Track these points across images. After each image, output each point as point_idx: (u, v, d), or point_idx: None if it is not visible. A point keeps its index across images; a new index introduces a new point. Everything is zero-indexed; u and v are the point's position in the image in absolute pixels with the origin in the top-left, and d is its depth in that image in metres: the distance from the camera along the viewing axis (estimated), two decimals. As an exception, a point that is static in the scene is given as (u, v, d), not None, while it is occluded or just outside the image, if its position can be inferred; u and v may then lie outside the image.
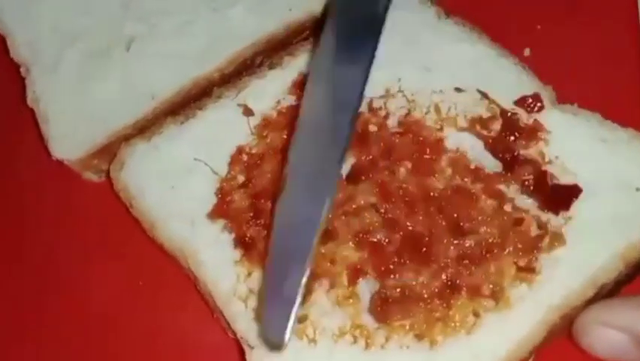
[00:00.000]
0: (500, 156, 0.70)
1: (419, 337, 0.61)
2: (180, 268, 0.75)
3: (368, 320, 0.63)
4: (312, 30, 0.83)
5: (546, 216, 0.65)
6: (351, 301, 0.64)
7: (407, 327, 0.62)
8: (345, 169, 0.71)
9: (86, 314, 0.77)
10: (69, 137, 0.78)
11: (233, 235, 0.70)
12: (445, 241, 0.65)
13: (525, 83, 0.74)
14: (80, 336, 0.76)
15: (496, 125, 0.72)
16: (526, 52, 0.82)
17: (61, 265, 0.80)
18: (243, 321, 0.65)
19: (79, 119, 0.79)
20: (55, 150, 0.78)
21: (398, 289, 0.63)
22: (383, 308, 0.62)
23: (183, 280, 0.75)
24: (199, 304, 0.73)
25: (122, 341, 0.75)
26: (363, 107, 0.74)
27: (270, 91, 0.78)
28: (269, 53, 0.82)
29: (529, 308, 0.61)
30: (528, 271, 0.62)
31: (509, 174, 0.68)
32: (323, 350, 0.63)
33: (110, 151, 0.79)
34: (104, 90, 0.80)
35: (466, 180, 0.68)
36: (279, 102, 0.77)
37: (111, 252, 0.79)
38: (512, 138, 0.69)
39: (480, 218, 0.66)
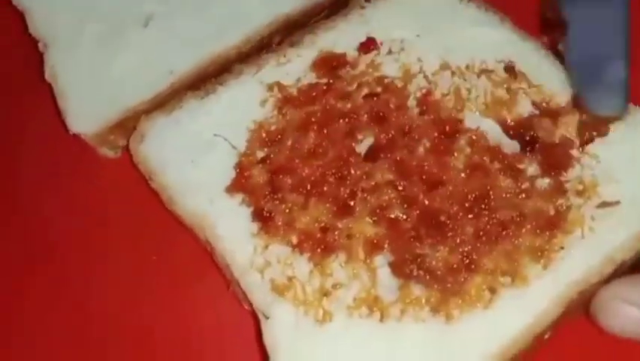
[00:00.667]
0: (520, 137, 0.70)
1: (435, 311, 0.61)
2: (196, 242, 0.75)
3: (384, 293, 0.63)
4: (330, 9, 0.83)
5: (565, 196, 0.65)
6: (368, 274, 0.64)
7: (423, 301, 0.62)
8: (364, 148, 0.72)
9: (103, 288, 0.77)
10: (86, 111, 0.79)
11: (251, 209, 0.70)
12: (462, 217, 0.65)
13: (545, 65, 0.74)
14: (97, 310, 0.77)
15: (517, 108, 0.72)
16: (544, 39, 0.81)
17: (78, 240, 0.81)
18: (260, 292, 0.65)
19: (96, 94, 0.80)
20: (72, 125, 0.79)
21: (414, 265, 0.63)
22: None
23: (199, 254, 0.75)
24: (215, 277, 0.74)
25: (138, 315, 0.76)
26: (382, 88, 0.75)
27: (290, 68, 0.78)
28: (287, 32, 0.82)
29: (547, 284, 0.61)
30: (545, 249, 0.62)
31: (528, 155, 0.68)
32: (338, 323, 0.63)
33: (126, 126, 0.79)
34: (121, 66, 0.80)
35: (485, 159, 0.68)
36: (299, 80, 0.78)
37: (127, 227, 0.80)
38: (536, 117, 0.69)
39: (498, 196, 0.66)
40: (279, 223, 0.68)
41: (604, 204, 0.64)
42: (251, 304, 0.66)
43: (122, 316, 0.76)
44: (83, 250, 0.80)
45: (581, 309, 0.62)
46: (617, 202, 0.64)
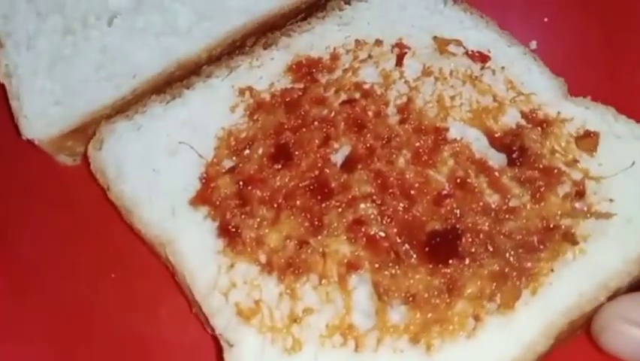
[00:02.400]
0: (507, 148, 0.65)
1: (414, 340, 0.56)
2: (158, 258, 0.70)
3: (359, 320, 0.58)
4: (307, 11, 0.78)
5: (557, 215, 0.60)
6: (342, 297, 0.58)
7: (402, 328, 0.56)
8: (340, 158, 0.66)
9: (54, 309, 0.71)
10: (41, 116, 0.73)
11: (216, 223, 0.64)
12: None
13: (535, 73, 0.69)
14: (47, 334, 0.70)
15: (504, 118, 0.67)
16: (533, 45, 0.77)
17: (27, 253, 0.74)
18: (223, 316, 0.60)
19: (53, 97, 0.73)
20: (25, 130, 0.73)
21: (394, 287, 0.58)
22: None
23: (160, 272, 0.69)
24: (177, 298, 0.68)
25: (93, 337, 0.70)
26: (360, 94, 0.70)
27: (263, 72, 0.73)
28: (261, 34, 0.77)
29: (535, 312, 0.56)
30: (532, 274, 0.58)
31: (516, 169, 0.63)
32: (309, 353, 0.57)
33: (85, 132, 0.73)
34: (81, 67, 0.74)
35: (469, 172, 0.63)
36: (272, 84, 0.72)
37: (83, 241, 0.74)
38: (524, 128, 0.64)
39: (483, 214, 0.61)
40: (247, 240, 0.63)
41: (598, 215, 0.59)
42: (213, 330, 0.60)
43: (76, 336, 0.70)
44: (35, 263, 0.74)
45: (571, 338, 0.57)
46: (612, 214, 0.59)
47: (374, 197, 0.63)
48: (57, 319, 0.71)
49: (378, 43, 0.74)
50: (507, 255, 0.58)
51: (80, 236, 0.74)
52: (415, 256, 0.59)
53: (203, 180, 0.67)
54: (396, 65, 0.72)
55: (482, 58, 0.71)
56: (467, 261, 0.58)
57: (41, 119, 0.72)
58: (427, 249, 0.59)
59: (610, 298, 0.56)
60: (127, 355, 0.68)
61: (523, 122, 0.66)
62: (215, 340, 0.63)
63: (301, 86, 0.72)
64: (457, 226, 0.60)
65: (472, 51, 0.71)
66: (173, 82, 0.75)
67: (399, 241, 0.60)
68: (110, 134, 0.71)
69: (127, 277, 0.72)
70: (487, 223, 0.60)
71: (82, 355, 0.69)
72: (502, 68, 0.70)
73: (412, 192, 0.63)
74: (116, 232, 0.73)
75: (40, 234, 0.75)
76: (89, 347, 0.69)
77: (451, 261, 0.59)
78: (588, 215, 0.60)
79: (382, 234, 0.61)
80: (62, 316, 0.71)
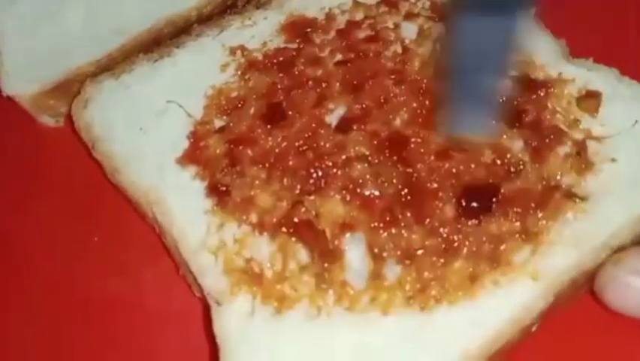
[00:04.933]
0: (505, 111, 0.63)
1: (409, 299, 0.54)
2: (142, 221, 0.67)
3: (353, 279, 0.56)
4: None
5: (558, 175, 0.59)
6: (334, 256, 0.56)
7: (396, 288, 0.54)
8: (335, 118, 0.64)
9: (33, 274, 0.69)
10: (23, 71, 0.70)
11: (205, 183, 0.62)
12: (442, 197, 0.58)
13: (536, 37, 0.67)
14: (25, 300, 0.68)
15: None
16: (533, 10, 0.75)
17: (4, 215, 0.72)
18: (212, 275, 0.57)
19: (35, 52, 0.71)
20: (6, 85, 0.70)
21: (389, 247, 0.56)
22: None
23: (144, 237, 0.67)
24: (162, 263, 0.66)
25: (74, 302, 0.67)
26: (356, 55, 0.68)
27: (256, 31, 0.71)
28: (254, -7, 0.75)
29: (534, 271, 0.54)
30: (532, 233, 0.56)
31: (515, 130, 0.61)
32: (300, 312, 0.55)
33: (69, 91, 0.71)
34: (65, 21, 0.72)
35: (468, 132, 0.61)
36: (265, 44, 0.70)
37: (64, 205, 0.71)
38: (525, 92, 0.62)
39: (482, 175, 0.59)
40: (237, 200, 0.60)
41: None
42: (201, 290, 0.58)
43: (57, 305, 0.67)
44: (13, 226, 0.71)
45: (572, 298, 0.56)
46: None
47: (369, 158, 0.61)
48: (36, 284, 0.68)
49: (375, 4, 0.72)
50: (506, 215, 0.56)
51: (61, 199, 0.72)
52: (411, 216, 0.57)
53: (192, 139, 0.64)
54: (393, 26, 0.70)
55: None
56: (466, 221, 0.56)
57: (23, 75, 0.70)
58: (419, 206, 0.57)
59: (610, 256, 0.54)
60: (109, 320, 0.66)
61: (521, 83, 0.65)
62: (202, 304, 0.61)
63: (295, 46, 0.70)
64: (458, 186, 0.58)
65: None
66: (163, 40, 0.72)
67: (395, 201, 0.58)
68: (96, 93, 0.68)
69: (110, 241, 0.69)
70: (486, 183, 0.58)
71: (63, 320, 0.66)
72: (502, 30, 0.68)
73: (409, 152, 0.61)
74: (98, 196, 0.70)
75: (19, 195, 0.73)
76: (70, 312, 0.67)
77: (450, 221, 0.57)
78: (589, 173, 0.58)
79: (377, 194, 0.59)
80: (41, 281, 0.68)
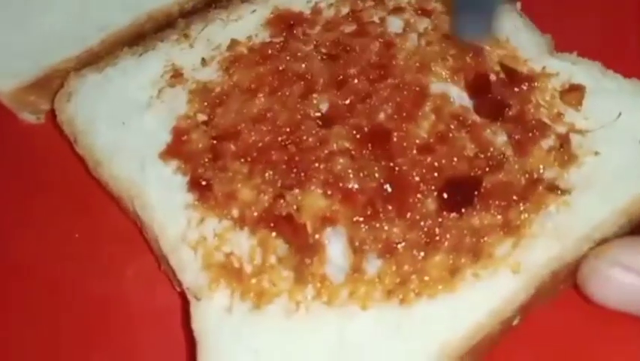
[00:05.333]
0: (489, 105, 0.63)
1: (389, 293, 0.54)
2: (125, 216, 0.67)
3: (334, 273, 0.55)
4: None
5: (541, 168, 0.58)
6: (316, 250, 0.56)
7: (376, 281, 0.54)
8: (319, 113, 0.64)
9: (14, 272, 0.68)
10: (3, 66, 0.70)
11: (187, 178, 0.62)
12: (424, 190, 0.58)
13: (520, 30, 0.67)
14: (7, 296, 0.67)
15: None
16: (518, 5, 0.75)
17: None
18: (191, 270, 0.57)
19: (14, 47, 0.70)
20: None
21: (369, 240, 0.56)
22: None
23: (126, 233, 0.67)
24: (144, 259, 0.66)
25: (57, 298, 0.66)
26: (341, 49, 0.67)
27: (241, 25, 0.71)
28: (238, -13, 0.74)
29: (516, 264, 0.54)
30: (514, 226, 0.55)
31: (498, 123, 0.61)
32: (279, 307, 0.55)
33: (49, 87, 0.71)
34: (46, 18, 0.71)
35: (451, 127, 0.61)
36: (250, 38, 0.70)
37: (45, 201, 0.71)
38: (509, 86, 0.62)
39: (464, 168, 0.58)
40: (219, 194, 0.60)
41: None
42: (181, 285, 0.58)
43: (44, 298, 0.67)
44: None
45: (554, 291, 0.55)
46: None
47: (352, 152, 0.61)
48: (16, 281, 0.68)
49: (361, -2, 0.71)
50: (488, 208, 0.56)
51: (42, 195, 0.71)
52: (393, 209, 0.57)
53: (175, 134, 0.64)
54: (379, 20, 0.70)
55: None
56: (448, 214, 0.56)
57: (3, 70, 0.69)
58: (403, 202, 0.57)
59: (592, 249, 0.54)
60: (91, 317, 0.65)
61: (505, 78, 0.64)
62: (184, 299, 0.61)
63: (280, 40, 0.69)
64: (440, 179, 0.58)
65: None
66: (147, 35, 0.72)
67: (376, 195, 0.58)
68: (80, 86, 0.68)
69: (91, 238, 0.69)
70: (468, 176, 0.58)
71: (45, 316, 0.66)
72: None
73: (392, 146, 0.61)
74: (80, 192, 0.70)
75: (1, 191, 0.72)
76: (52, 308, 0.66)
77: (431, 215, 0.56)
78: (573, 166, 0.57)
79: (359, 188, 0.59)
80: (22, 277, 0.68)
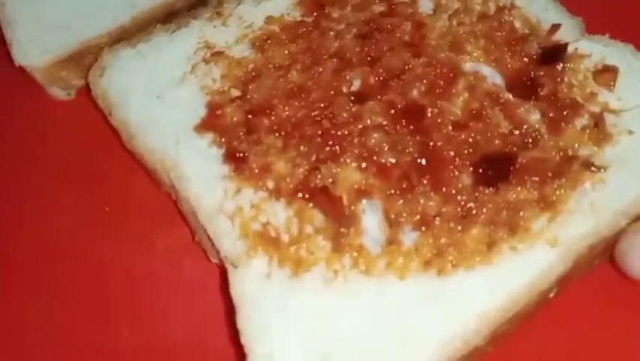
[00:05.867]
0: (522, 85, 0.63)
1: (426, 264, 0.54)
2: (158, 189, 0.67)
3: (370, 244, 0.56)
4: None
5: (576, 146, 0.59)
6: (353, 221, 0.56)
7: (413, 253, 0.54)
8: (352, 89, 0.64)
9: (44, 244, 0.69)
10: (35, 41, 0.70)
11: (222, 150, 0.62)
12: (459, 164, 0.58)
13: (551, 12, 0.68)
14: (34, 268, 0.68)
15: (519, 55, 0.65)
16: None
17: (16, 187, 0.72)
18: (229, 239, 0.57)
19: (47, 22, 0.71)
20: (18, 55, 0.70)
21: (406, 213, 0.56)
22: None
23: (156, 208, 0.68)
24: (173, 233, 0.67)
25: (84, 273, 0.67)
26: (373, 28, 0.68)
27: (273, 4, 0.71)
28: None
29: (553, 238, 0.54)
30: (550, 202, 0.56)
31: (532, 101, 0.62)
32: (316, 275, 0.55)
33: (81, 63, 0.71)
34: None
35: (485, 104, 0.62)
36: (282, 16, 0.70)
37: (74, 176, 0.72)
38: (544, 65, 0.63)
39: (498, 144, 0.59)
40: (254, 166, 0.60)
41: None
42: (218, 254, 0.58)
43: (76, 273, 0.67)
44: (24, 196, 0.71)
45: (591, 264, 0.56)
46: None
47: (386, 127, 0.61)
48: (47, 253, 0.68)
49: (393, -21, 0.72)
50: (524, 183, 0.57)
51: (72, 170, 0.72)
52: (428, 183, 0.57)
53: (209, 108, 0.65)
54: (410, 1, 0.70)
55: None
56: (483, 189, 0.57)
57: (35, 45, 0.70)
58: (436, 174, 0.57)
59: (630, 224, 0.55)
60: (120, 290, 0.66)
61: (538, 58, 0.65)
62: (219, 270, 0.61)
63: (311, 19, 0.70)
64: (475, 155, 0.58)
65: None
66: (179, 12, 0.73)
67: (411, 169, 0.58)
68: (113, 61, 0.68)
69: (122, 211, 0.69)
70: (503, 152, 0.58)
71: (72, 290, 0.66)
72: (518, 6, 0.69)
73: (427, 122, 0.61)
74: (110, 168, 0.71)
75: (32, 167, 0.73)
76: (83, 283, 0.67)
77: (467, 189, 0.57)
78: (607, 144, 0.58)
79: (394, 161, 0.59)
80: (52, 251, 0.68)
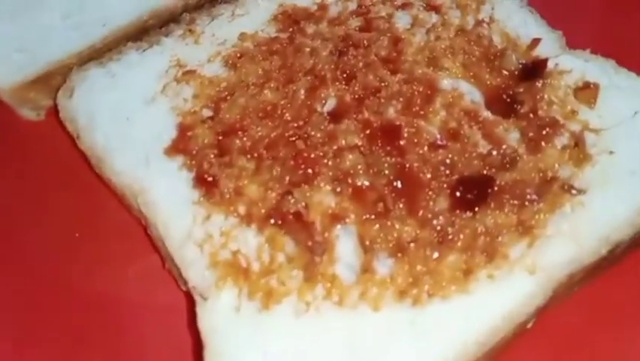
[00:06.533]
0: (501, 101, 0.62)
1: (401, 294, 0.52)
2: (127, 215, 0.66)
3: (344, 273, 0.54)
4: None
5: (555, 167, 0.57)
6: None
7: (388, 282, 0.53)
8: (327, 108, 0.63)
9: (15, 271, 0.66)
10: (3, 62, 0.68)
11: (192, 174, 0.60)
12: (436, 188, 0.56)
13: (532, 26, 0.66)
14: (7, 297, 0.65)
15: (498, 71, 0.64)
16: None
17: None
18: (197, 269, 0.55)
19: (16, 43, 0.69)
20: None
21: (381, 239, 0.54)
22: None
23: (128, 232, 0.66)
24: (146, 258, 0.65)
25: (59, 298, 0.65)
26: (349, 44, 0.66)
27: (247, 21, 0.69)
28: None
29: (532, 265, 0.53)
30: (529, 226, 0.54)
31: (511, 120, 0.60)
32: (288, 307, 0.53)
33: (50, 84, 0.70)
34: (47, 14, 0.70)
35: (462, 123, 0.60)
36: (257, 33, 0.68)
37: (45, 200, 0.69)
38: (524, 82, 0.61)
39: (476, 165, 0.57)
40: (225, 190, 0.59)
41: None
42: (186, 283, 0.56)
43: (44, 297, 0.65)
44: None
45: (570, 293, 0.54)
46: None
47: (361, 148, 0.60)
48: (18, 280, 0.66)
49: (368, -6, 0.70)
50: (502, 207, 0.55)
51: (44, 193, 0.70)
52: (404, 207, 0.56)
53: (180, 129, 0.63)
54: (386, 16, 0.69)
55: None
56: (461, 213, 0.55)
57: (3, 66, 0.68)
58: (415, 200, 0.55)
59: (611, 251, 0.53)
60: (93, 317, 0.64)
61: (517, 74, 0.63)
62: (187, 299, 0.60)
63: (287, 35, 0.68)
64: (452, 177, 0.57)
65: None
66: (150, 30, 0.71)
67: (387, 192, 0.57)
68: (82, 82, 0.67)
69: (93, 237, 0.67)
70: (480, 174, 0.57)
71: (47, 316, 0.64)
72: (497, 20, 0.67)
73: (403, 142, 0.59)
74: (81, 190, 0.69)
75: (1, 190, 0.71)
76: (54, 308, 0.65)
77: (443, 213, 0.55)
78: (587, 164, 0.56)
79: (369, 184, 0.57)
80: (24, 277, 0.66)
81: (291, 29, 0.69)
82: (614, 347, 0.55)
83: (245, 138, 0.61)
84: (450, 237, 0.54)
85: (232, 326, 0.52)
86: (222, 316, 0.53)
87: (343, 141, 0.60)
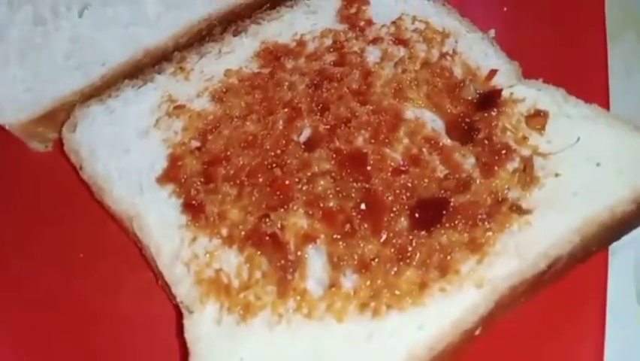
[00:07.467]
0: (460, 129, 0.67)
1: (362, 306, 0.58)
2: (125, 237, 0.72)
3: (313, 288, 0.60)
4: (272, 2, 0.81)
5: (505, 189, 0.63)
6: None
7: (352, 295, 0.59)
8: (304, 138, 0.69)
9: (21, 290, 0.73)
10: (12, 101, 0.76)
11: (181, 200, 0.67)
12: (398, 210, 0.62)
13: (491, 57, 0.72)
14: (11, 314, 0.72)
15: (459, 100, 0.70)
16: (492, 33, 0.79)
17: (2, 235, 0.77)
18: (184, 286, 0.62)
19: (23, 84, 0.76)
20: None
21: (347, 256, 0.61)
22: None
23: (129, 248, 0.72)
24: (142, 276, 0.71)
25: (60, 316, 0.71)
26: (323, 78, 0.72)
27: (233, 58, 0.76)
28: (228, 23, 0.80)
29: (479, 279, 0.58)
30: (479, 244, 0.60)
31: (469, 147, 0.66)
32: (263, 319, 0.59)
33: (55, 119, 0.77)
34: (51, 56, 0.77)
35: (423, 150, 0.66)
36: (241, 69, 0.75)
37: (52, 223, 0.76)
38: (481, 110, 0.67)
39: (435, 189, 0.63)
40: (210, 215, 0.65)
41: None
42: (175, 298, 0.63)
43: (53, 308, 0.72)
44: (7, 245, 0.76)
45: (514, 305, 0.59)
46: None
47: (332, 174, 0.66)
48: (24, 299, 0.73)
49: (343, 30, 0.77)
50: (455, 226, 0.61)
51: (52, 216, 0.77)
52: (369, 227, 0.62)
53: (170, 160, 0.70)
54: (359, 50, 0.75)
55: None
56: (418, 232, 0.61)
57: (12, 105, 0.75)
58: (384, 220, 0.61)
59: (550, 266, 0.58)
60: (92, 330, 0.70)
61: (475, 103, 0.69)
62: (178, 312, 0.66)
63: (268, 70, 0.75)
64: (412, 199, 0.63)
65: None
66: (145, 67, 0.78)
67: (354, 214, 0.63)
68: (84, 117, 0.74)
69: (95, 256, 0.74)
70: (437, 197, 0.63)
71: (48, 332, 0.70)
72: (460, 53, 0.73)
73: (369, 168, 0.65)
74: (85, 214, 0.75)
75: (11, 215, 0.77)
76: (55, 325, 0.71)
77: (403, 232, 0.61)
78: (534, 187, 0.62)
79: (338, 207, 0.64)
80: (29, 296, 0.73)
81: (272, 65, 0.75)
82: (558, 353, 0.60)
83: (228, 167, 0.68)
84: (408, 254, 0.60)
85: (214, 337, 0.59)
86: (206, 327, 0.59)
87: (316, 168, 0.66)
